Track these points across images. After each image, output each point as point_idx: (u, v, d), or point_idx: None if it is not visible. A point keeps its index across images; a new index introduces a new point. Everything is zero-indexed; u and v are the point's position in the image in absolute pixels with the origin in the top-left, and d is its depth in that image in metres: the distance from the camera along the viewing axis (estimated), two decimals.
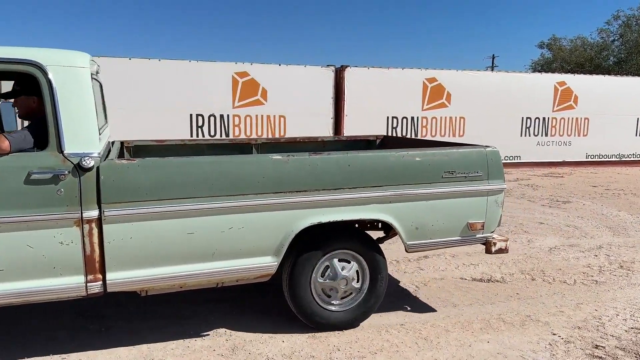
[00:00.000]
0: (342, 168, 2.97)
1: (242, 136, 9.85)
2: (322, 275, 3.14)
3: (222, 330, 3.18)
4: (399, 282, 4.13)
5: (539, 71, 26.00)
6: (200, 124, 9.63)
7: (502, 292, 3.95)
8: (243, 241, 2.84)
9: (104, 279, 2.64)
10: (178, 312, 3.46)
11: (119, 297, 3.50)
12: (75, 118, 2.58)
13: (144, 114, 9.05)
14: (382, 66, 10.39)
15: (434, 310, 3.58)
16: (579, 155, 11.74)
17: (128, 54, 9.72)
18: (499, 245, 3.36)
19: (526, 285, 4.12)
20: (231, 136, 9.81)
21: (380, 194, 3.04)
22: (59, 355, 2.87)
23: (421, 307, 3.64)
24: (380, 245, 3.37)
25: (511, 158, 11.17)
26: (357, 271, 3.20)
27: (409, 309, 3.59)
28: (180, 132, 9.24)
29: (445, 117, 10.72)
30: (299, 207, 2.90)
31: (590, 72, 22.15)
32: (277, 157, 2.90)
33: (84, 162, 2.53)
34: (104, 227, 2.59)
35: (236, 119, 9.79)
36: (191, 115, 9.52)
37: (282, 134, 9.98)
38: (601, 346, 3.07)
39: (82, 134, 2.59)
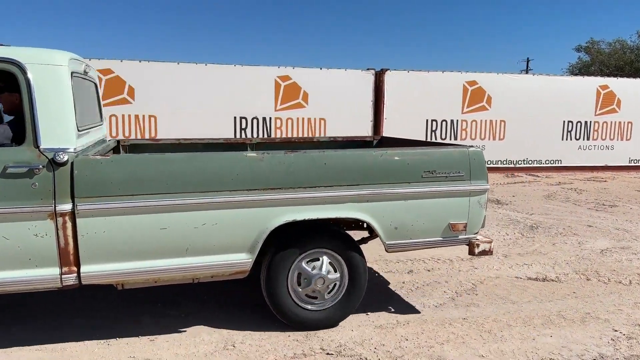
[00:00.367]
0: (317, 166, 2.96)
1: None
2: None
3: None
4: (455, 279, 4.24)
5: (577, 74, 25.52)
6: (243, 126, 9.89)
7: (559, 291, 4.01)
8: (216, 237, 2.85)
9: (78, 272, 2.71)
10: (256, 301, 3.55)
11: (194, 286, 3.72)
12: (52, 114, 2.66)
13: (191, 116, 9.37)
14: (421, 69, 10.49)
15: (493, 306, 3.68)
16: (621, 160, 11.56)
17: (176, 59, 10.09)
18: (483, 247, 3.27)
19: (582, 284, 4.18)
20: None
21: (356, 192, 3.01)
22: (147, 337, 3.10)
23: (480, 303, 3.74)
24: (363, 245, 3.38)
25: (552, 162, 11.09)
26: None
27: (468, 304, 3.70)
28: (223, 134, 9.56)
29: (486, 121, 10.72)
30: (273, 205, 2.90)
31: (630, 76, 21.63)
32: (251, 154, 2.92)
33: (57, 157, 2.60)
34: (77, 220, 2.65)
35: (278, 121, 10.02)
36: (235, 117, 9.79)
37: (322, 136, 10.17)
38: None
39: (58, 130, 2.67)
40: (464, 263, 4.65)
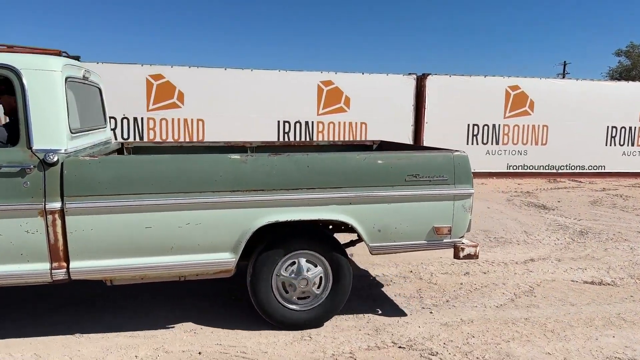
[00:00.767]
0: (301, 169, 3.02)
1: None
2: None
3: (365, 315, 3.56)
4: (511, 281, 4.35)
5: (618, 79, 24.98)
6: (286, 130, 10.15)
7: (616, 295, 4.09)
8: (200, 237, 2.94)
9: (67, 267, 2.84)
10: None
11: None
12: (44, 117, 2.80)
13: (236, 119, 9.70)
14: (463, 74, 10.57)
15: (553, 307, 3.79)
16: None
17: (223, 65, 10.43)
18: (468, 250, 3.30)
19: (638, 288, 4.23)
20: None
21: (339, 195, 3.06)
22: (230, 328, 3.33)
23: (540, 304, 3.86)
24: (349, 247, 3.45)
25: (595, 167, 10.99)
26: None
27: (528, 305, 3.82)
28: (267, 137, 9.82)
29: (528, 125, 10.71)
30: (256, 206, 2.97)
31: None
32: (235, 156, 2.99)
33: (47, 158, 2.74)
34: (67, 218, 2.78)
35: (320, 125, 10.24)
36: (278, 121, 10.05)
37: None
38: None
39: (49, 132, 2.81)
40: (519, 266, 4.76)
